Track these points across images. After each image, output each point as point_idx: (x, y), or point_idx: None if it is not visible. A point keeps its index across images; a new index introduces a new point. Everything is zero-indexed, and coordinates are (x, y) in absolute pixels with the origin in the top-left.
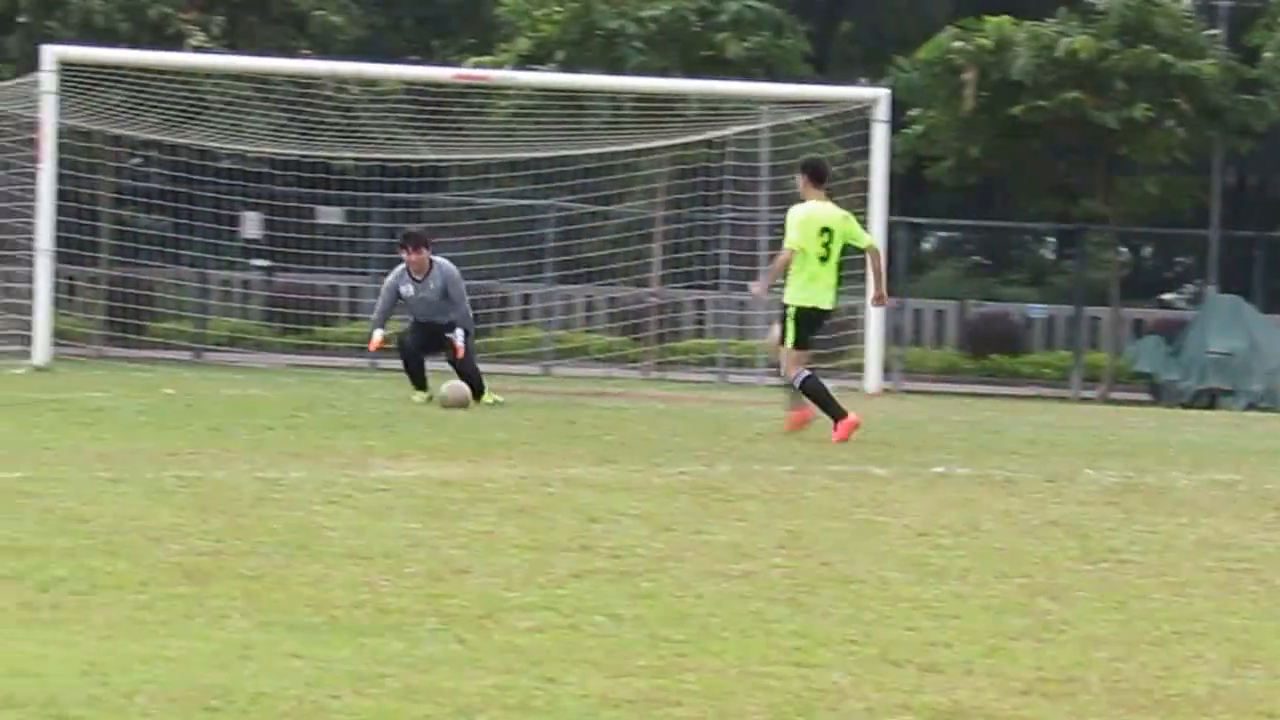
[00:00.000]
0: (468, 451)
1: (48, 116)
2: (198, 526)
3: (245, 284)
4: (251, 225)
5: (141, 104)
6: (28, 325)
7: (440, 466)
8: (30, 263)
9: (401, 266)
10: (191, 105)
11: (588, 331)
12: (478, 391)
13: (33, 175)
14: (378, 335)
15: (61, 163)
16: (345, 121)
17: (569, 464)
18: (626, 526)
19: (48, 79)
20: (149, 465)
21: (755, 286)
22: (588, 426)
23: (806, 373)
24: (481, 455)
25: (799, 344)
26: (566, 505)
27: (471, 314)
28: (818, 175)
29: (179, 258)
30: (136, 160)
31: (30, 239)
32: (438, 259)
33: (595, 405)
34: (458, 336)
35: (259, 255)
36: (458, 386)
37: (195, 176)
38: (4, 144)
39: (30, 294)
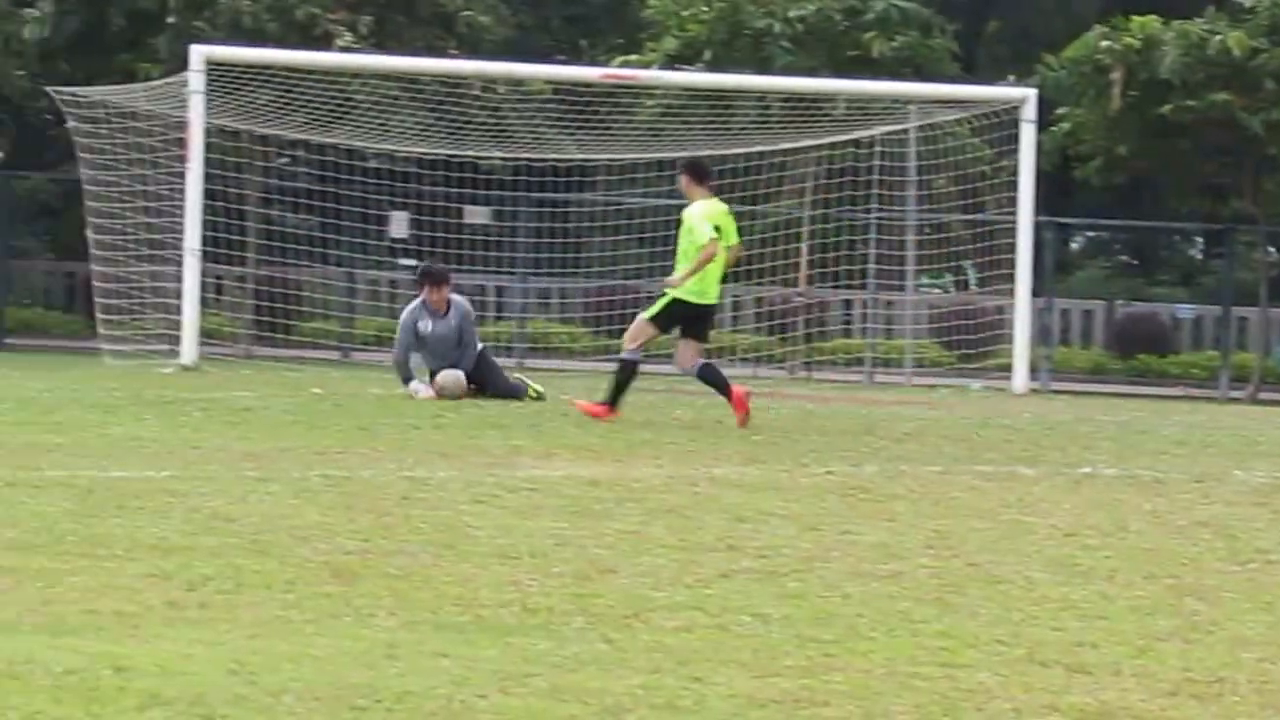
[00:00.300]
0: (615, 451)
1: (196, 116)
2: (345, 525)
3: (392, 283)
4: (399, 225)
5: (289, 104)
6: (176, 325)
7: (587, 466)
8: (178, 262)
9: (418, 302)
10: (339, 105)
11: (734, 331)
12: (519, 394)
13: (181, 175)
14: (422, 390)
15: (209, 162)
16: (492, 121)
17: (716, 463)
18: (774, 526)
19: (196, 79)
20: (296, 464)
21: (673, 279)
22: (735, 426)
23: (703, 362)
24: (628, 455)
25: (660, 326)
26: (714, 505)
27: (479, 348)
28: (701, 174)
29: (326, 257)
30: (284, 160)
31: (178, 238)
32: (455, 297)
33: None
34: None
35: (406, 255)
36: (450, 374)
37: (343, 176)
38: (152, 144)
39: (178, 293)
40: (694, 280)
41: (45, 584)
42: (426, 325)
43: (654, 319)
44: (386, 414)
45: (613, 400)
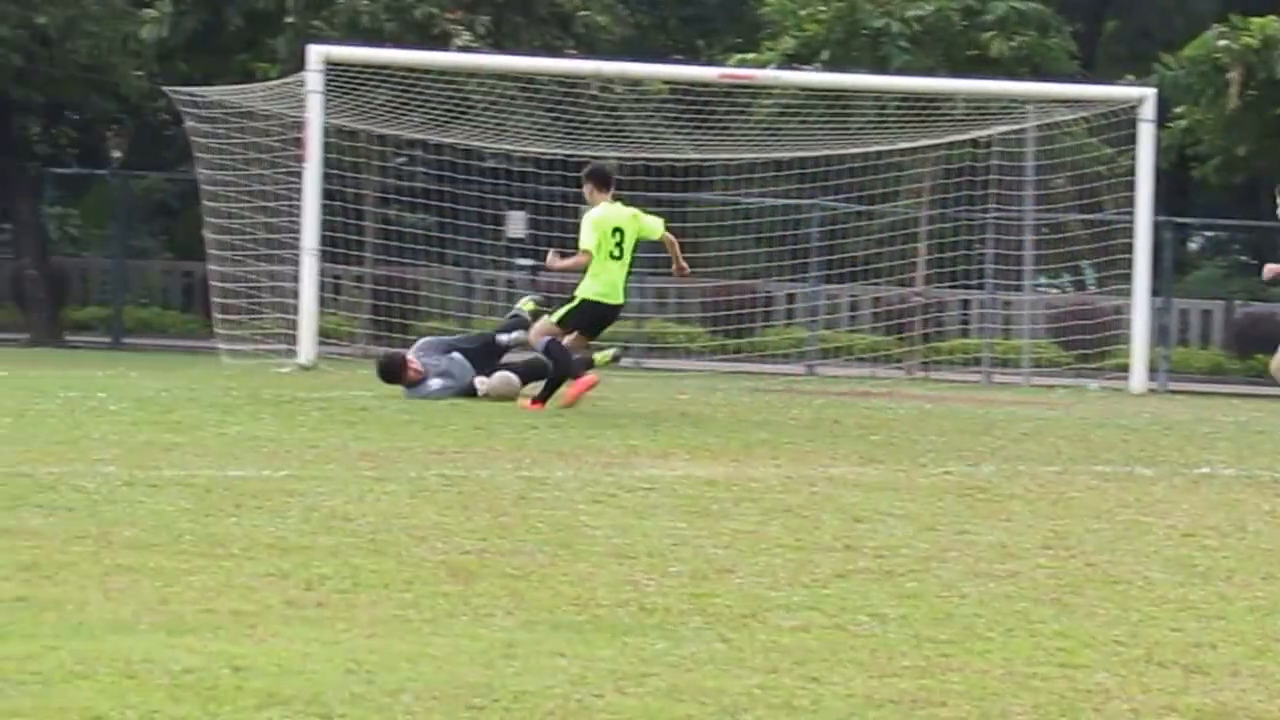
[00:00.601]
0: (732, 451)
1: (314, 116)
2: (462, 525)
3: (510, 283)
4: (516, 225)
5: (406, 103)
6: (293, 324)
7: (705, 465)
8: (296, 262)
9: None
10: (456, 105)
11: (852, 331)
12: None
13: (298, 175)
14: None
15: (327, 162)
16: (609, 121)
17: (834, 463)
18: (891, 526)
19: (314, 78)
20: (413, 464)
21: (552, 261)
22: (852, 426)
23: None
24: (746, 454)
25: (568, 328)
26: (831, 505)
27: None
28: (604, 181)
29: (443, 257)
30: (401, 159)
31: (296, 238)
32: None
33: (860, 405)
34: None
35: (524, 254)
36: (504, 378)
37: (460, 176)
38: (270, 144)
39: (295, 293)
40: (602, 284)
41: (163, 583)
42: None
43: (560, 323)
44: (504, 414)
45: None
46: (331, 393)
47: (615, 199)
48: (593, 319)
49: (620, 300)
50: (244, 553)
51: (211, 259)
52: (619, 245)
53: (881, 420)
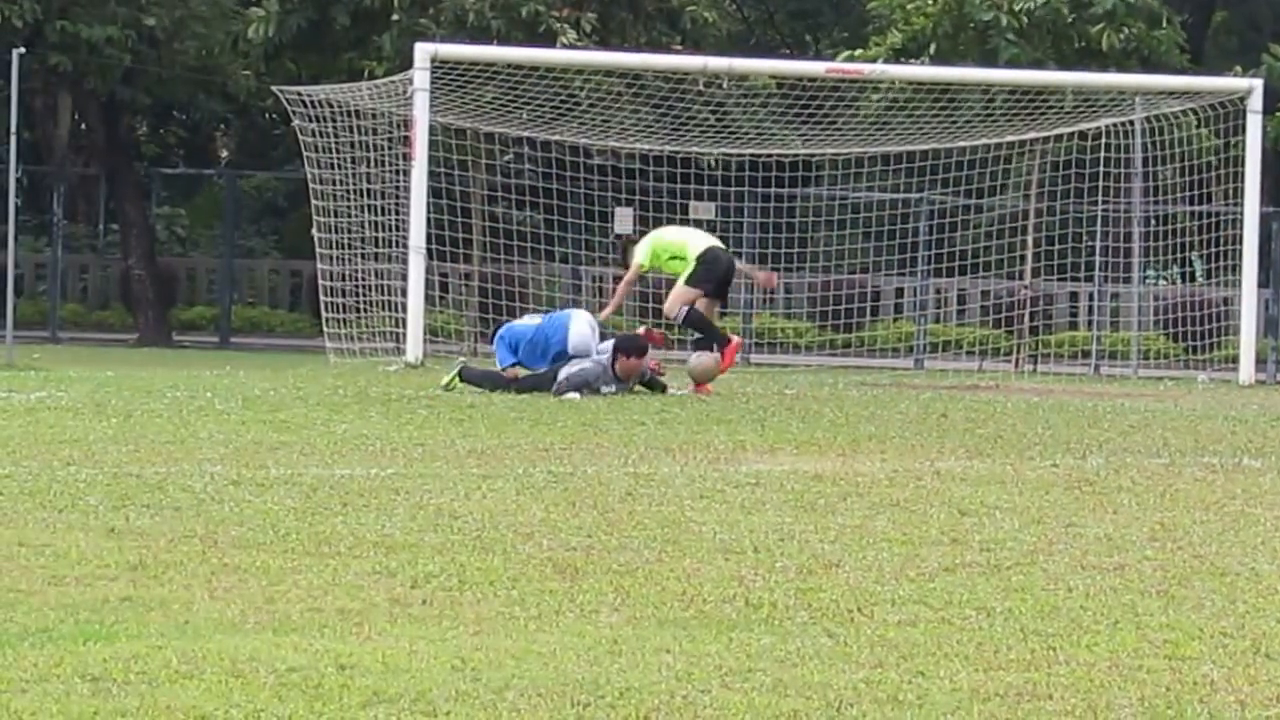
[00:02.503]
0: (839, 446)
1: (420, 114)
2: (568, 522)
3: (618, 280)
4: (624, 221)
5: (513, 101)
6: (401, 323)
7: (811, 461)
8: (403, 260)
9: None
10: (563, 102)
11: (960, 325)
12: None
13: (405, 173)
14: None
15: (434, 160)
16: (716, 117)
17: (941, 458)
18: (998, 520)
19: (420, 76)
20: (520, 461)
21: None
22: (960, 420)
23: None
24: (853, 449)
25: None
26: (937, 499)
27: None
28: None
29: (551, 254)
30: (508, 157)
31: (403, 236)
32: None
33: (968, 398)
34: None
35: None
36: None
37: (567, 173)
38: (377, 142)
39: (403, 291)
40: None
41: (269, 582)
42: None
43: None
44: (611, 410)
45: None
46: (439, 391)
47: None
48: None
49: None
50: (350, 551)
51: (320, 258)
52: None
53: (989, 414)
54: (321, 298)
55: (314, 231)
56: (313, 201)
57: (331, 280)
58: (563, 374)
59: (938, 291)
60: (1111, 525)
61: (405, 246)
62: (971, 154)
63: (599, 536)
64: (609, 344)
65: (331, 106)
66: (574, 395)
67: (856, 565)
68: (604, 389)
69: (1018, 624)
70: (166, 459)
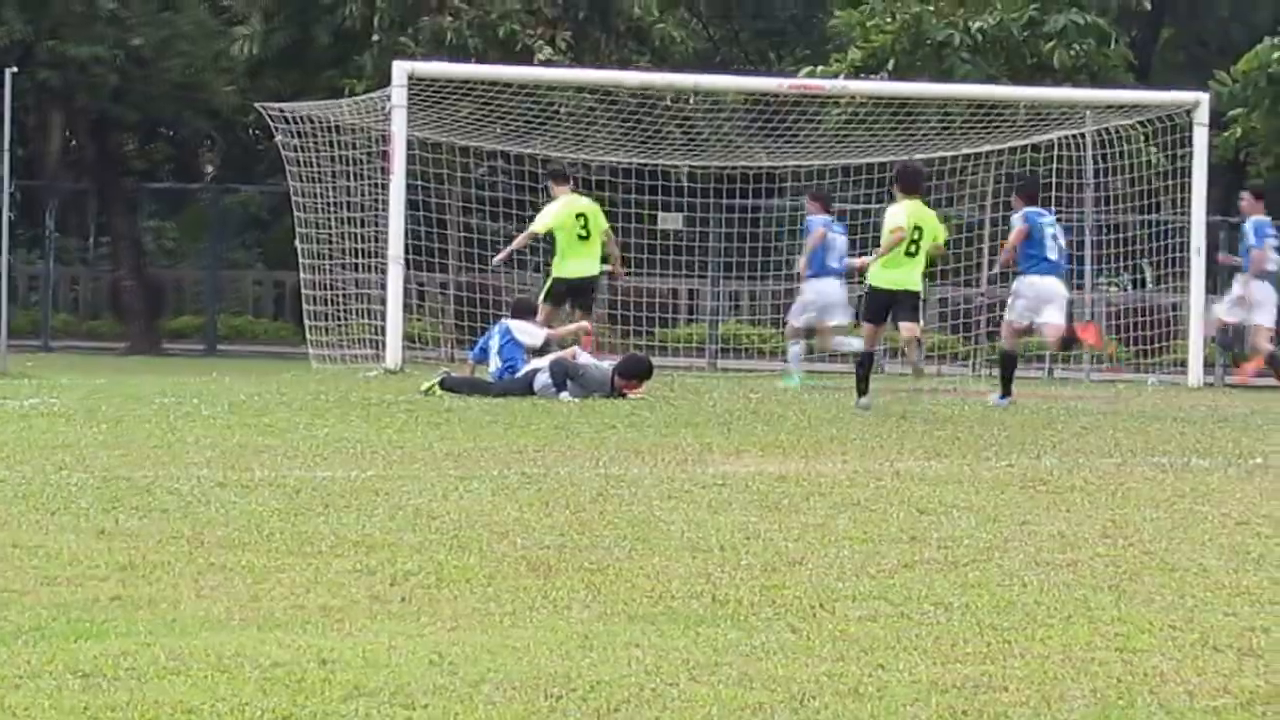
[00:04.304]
0: (802, 448)
1: (398, 129)
2: (542, 521)
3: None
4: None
5: (488, 115)
6: (380, 330)
7: (776, 462)
8: (382, 270)
9: None
10: (536, 117)
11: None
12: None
13: (384, 186)
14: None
15: (411, 173)
16: (684, 131)
17: (900, 458)
18: (955, 518)
19: (399, 93)
20: (495, 463)
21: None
22: (919, 422)
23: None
24: (816, 451)
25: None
26: (897, 498)
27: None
28: (562, 176)
29: (525, 263)
30: (483, 170)
31: (382, 247)
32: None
33: (926, 401)
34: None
35: (602, 260)
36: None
37: (540, 185)
38: (357, 156)
39: (382, 300)
40: (571, 258)
41: (254, 580)
42: None
43: (544, 300)
44: (583, 414)
45: None
46: (418, 396)
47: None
48: (571, 293)
49: (593, 274)
50: (332, 550)
51: (302, 268)
52: (585, 228)
53: (947, 416)
54: (304, 306)
55: (296, 243)
56: (295, 214)
57: (314, 289)
58: (581, 358)
59: None
60: (1065, 523)
61: (384, 257)
62: (928, 166)
63: (571, 535)
64: (607, 363)
65: (312, 122)
66: (565, 395)
67: (819, 563)
68: (563, 395)
69: (974, 618)
70: (155, 463)
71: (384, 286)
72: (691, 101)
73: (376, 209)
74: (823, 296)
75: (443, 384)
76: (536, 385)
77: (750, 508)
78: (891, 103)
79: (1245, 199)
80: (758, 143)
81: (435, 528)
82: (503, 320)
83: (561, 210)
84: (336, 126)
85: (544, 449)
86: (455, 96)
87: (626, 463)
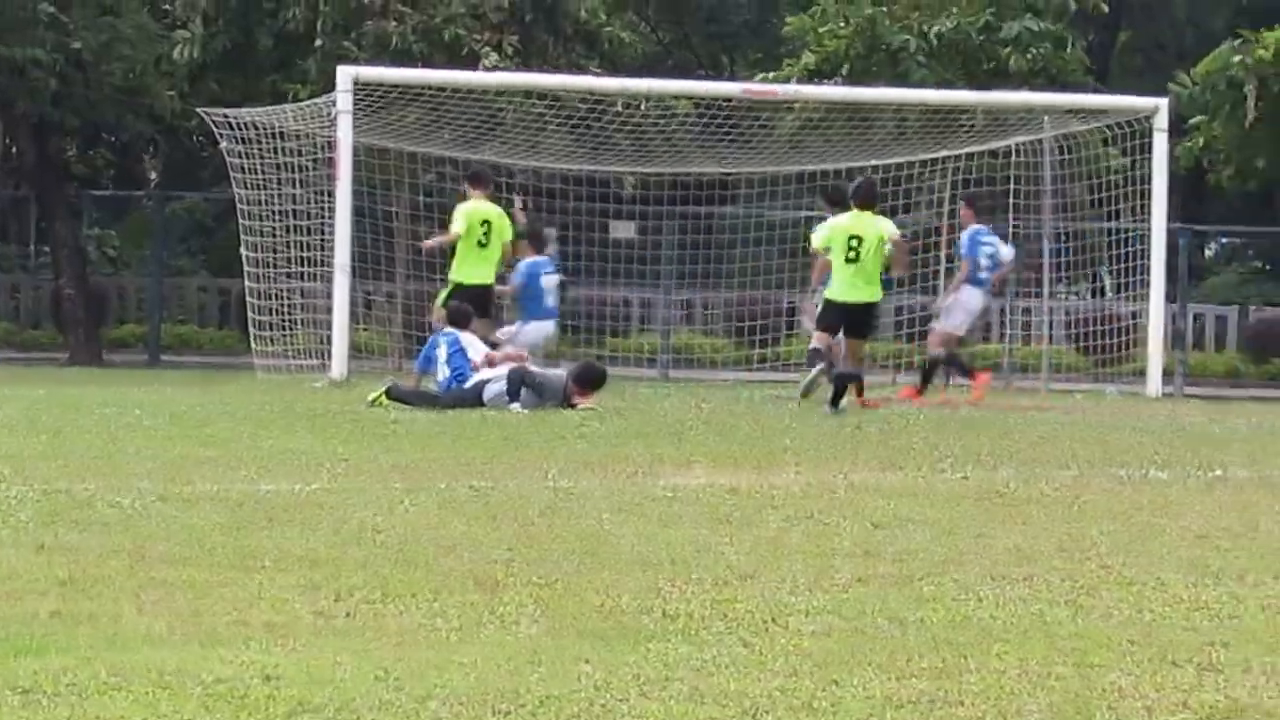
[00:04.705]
0: (755, 459)
1: (344, 135)
2: (489, 536)
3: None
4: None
5: (435, 121)
6: (326, 340)
7: (727, 474)
8: (328, 279)
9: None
10: (485, 123)
11: (876, 340)
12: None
13: (330, 193)
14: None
15: (357, 180)
16: (635, 138)
17: (854, 470)
18: (910, 531)
19: (344, 99)
20: (442, 476)
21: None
22: (874, 432)
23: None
24: (768, 463)
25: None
26: (851, 511)
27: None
28: (480, 180)
29: None
30: (430, 177)
31: (328, 255)
32: None
33: (881, 411)
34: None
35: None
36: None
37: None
38: (302, 163)
39: (328, 310)
40: (470, 264)
41: (196, 596)
42: None
43: (445, 304)
44: (532, 425)
45: None
46: (364, 407)
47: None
48: (470, 299)
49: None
50: (275, 565)
51: (247, 276)
52: (486, 235)
53: (902, 426)
54: (249, 315)
55: (242, 250)
56: (240, 221)
57: (259, 298)
58: (532, 367)
59: None
60: (1021, 536)
61: (330, 265)
62: (884, 172)
63: (519, 550)
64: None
65: (257, 128)
66: (516, 406)
67: (771, 577)
68: (514, 406)
69: (929, 633)
70: (96, 475)
71: (330, 295)
72: (643, 107)
73: (322, 216)
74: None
75: (389, 394)
76: (486, 395)
77: (701, 521)
78: (845, 108)
79: (962, 208)
80: (709, 150)
81: (381, 542)
82: (447, 329)
83: (469, 213)
84: (281, 133)
85: (492, 461)
86: (402, 102)
87: (576, 475)
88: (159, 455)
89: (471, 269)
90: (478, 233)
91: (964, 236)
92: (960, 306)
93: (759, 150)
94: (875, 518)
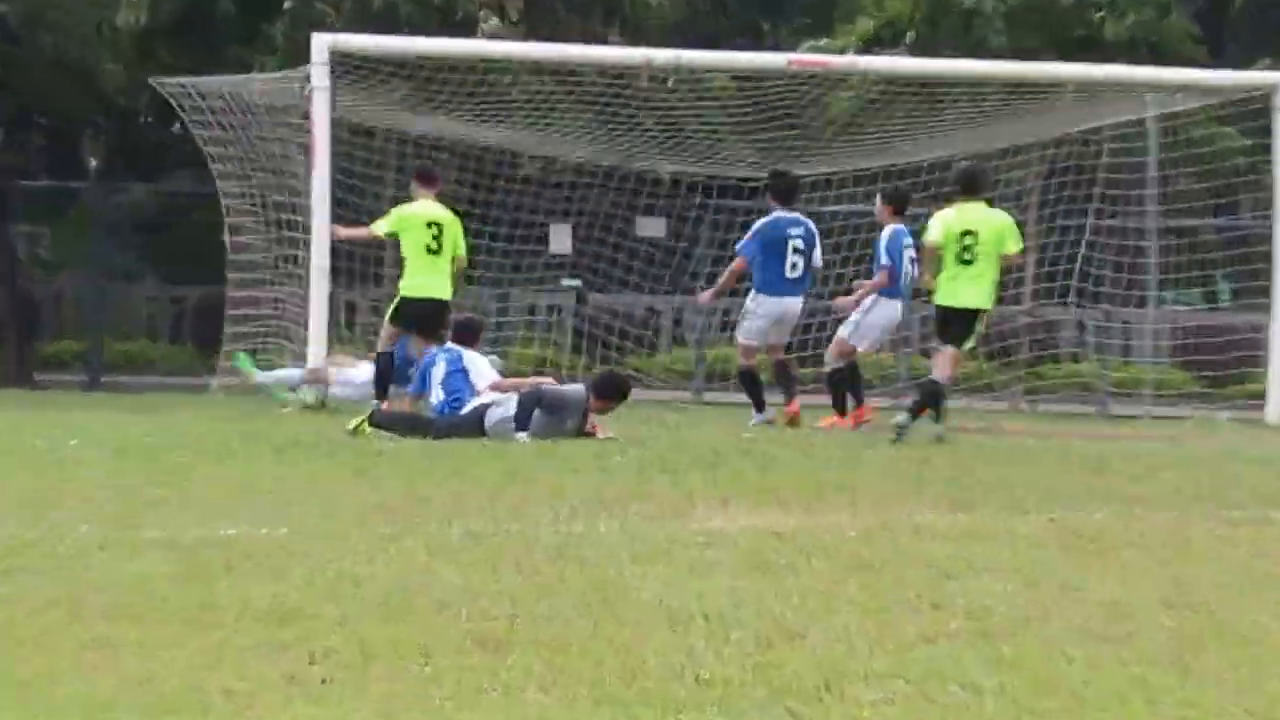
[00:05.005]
0: (803, 497)
1: (320, 116)
2: (489, 587)
3: (552, 309)
4: (560, 239)
5: (429, 100)
6: (300, 355)
7: (771, 514)
8: (303, 282)
9: None
10: (489, 103)
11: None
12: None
13: (305, 183)
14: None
15: (338, 169)
16: (662, 120)
17: (920, 510)
18: (985, 581)
19: (319, 72)
20: (434, 517)
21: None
22: (943, 466)
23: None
24: (818, 500)
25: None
26: (917, 557)
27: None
28: (428, 178)
29: (472, 278)
30: (424, 164)
31: (303, 256)
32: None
33: (951, 440)
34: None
35: (569, 274)
36: None
37: (491, 183)
38: (271, 149)
39: (302, 319)
40: (418, 274)
41: (144, 656)
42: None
43: (391, 319)
44: (540, 456)
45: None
46: (343, 435)
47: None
48: (416, 315)
49: (439, 295)
50: (237, 622)
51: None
52: (437, 240)
53: (977, 459)
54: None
55: (225, 235)
56: (225, 216)
57: (235, 307)
58: (548, 385)
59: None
60: (1118, 587)
61: (303, 267)
62: (962, 160)
63: (526, 604)
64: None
65: (224, 99)
66: (523, 436)
67: (823, 635)
68: (520, 436)
69: (1010, 701)
70: (24, 520)
71: (305, 302)
72: (671, 84)
73: (295, 211)
74: None
75: (372, 420)
76: (489, 422)
77: (740, 569)
78: (911, 85)
79: (879, 204)
80: (748, 139)
81: (362, 595)
82: (449, 345)
83: (411, 214)
84: (247, 108)
85: (492, 500)
86: (387, 75)
87: (591, 516)
88: (101, 493)
89: (420, 279)
90: (425, 237)
91: (883, 237)
92: (874, 326)
93: (809, 138)
94: (944, 565)
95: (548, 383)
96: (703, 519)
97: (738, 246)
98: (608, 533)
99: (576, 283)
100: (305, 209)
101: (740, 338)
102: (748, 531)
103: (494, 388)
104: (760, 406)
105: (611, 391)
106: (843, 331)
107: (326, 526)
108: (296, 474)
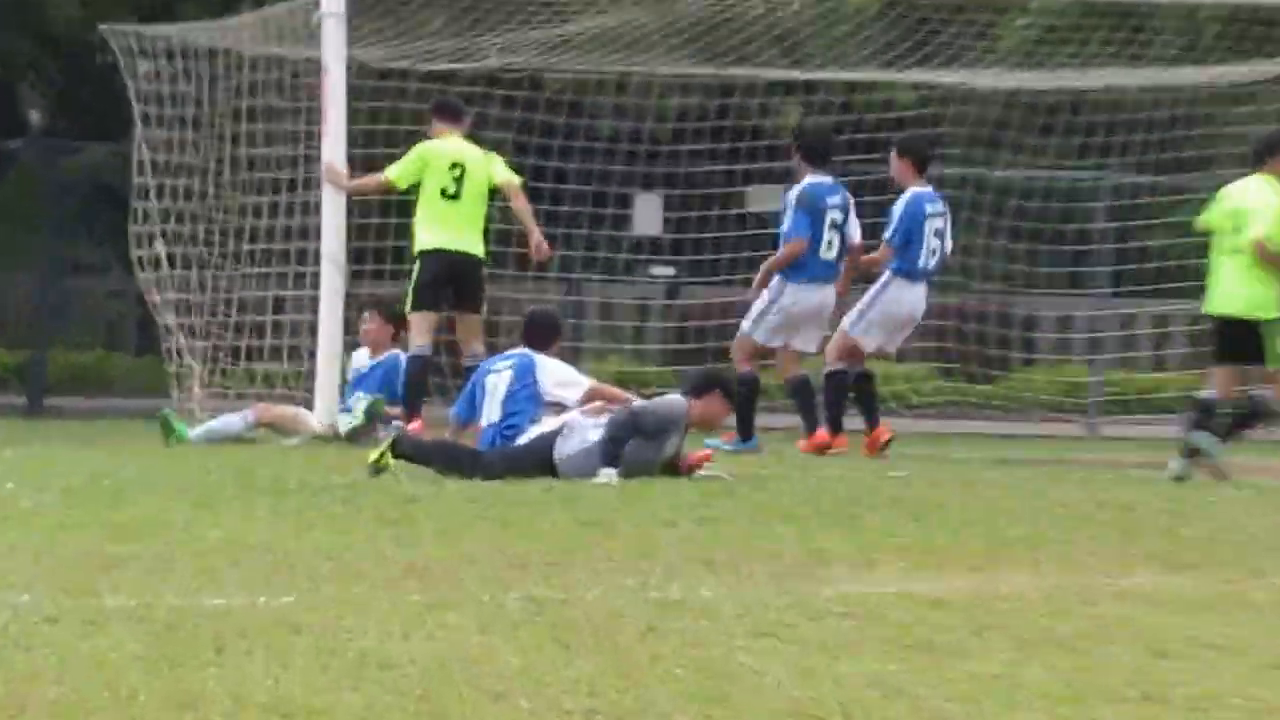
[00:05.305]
0: (971, 553)
1: (333, 54)
2: (560, 672)
3: (638, 309)
4: (647, 215)
5: (474, 29)
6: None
7: (929, 577)
8: (311, 277)
9: None
10: (547, 27)
11: (1156, 370)
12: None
13: (314, 149)
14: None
15: (355, 128)
16: (786, 53)
17: (1125, 571)
18: (1212, 663)
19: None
20: (485, 582)
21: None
22: (1154, 512)
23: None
24: (991, 558)
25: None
26: (1122, 632)
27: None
28: (448, 111)
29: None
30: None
31: (312, 244)
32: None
33: (1165, 482)
34: None
35: (657, 260)
36: None
37: (560, 144)
38: (270, 101)
39: (308, 325)
40: (434, 225)
41: None
42: None
43: (414, 304)
44: (625, 503)
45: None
46: (361, 474)
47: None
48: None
49: (470, 252)
50: (227, 719)
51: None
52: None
53: (1196, 505)
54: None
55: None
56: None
57: (186, 306)
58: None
59: (1120, 314)
60: None
61: (313, 259)
62: (1171, 108)
63: (608, 695)
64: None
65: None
66: (610, 474)
67: None
68: (604, 473)
69: None
70: None
71: (312, 304)
72: (796, 4)
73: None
74: None
75: (397, 450)
76: (558, 454)
77: (890, 649)
78: (1108, 9)
79: (895, 158)
80: (895, 66)
81: (392, 683)
82: (519, 348)
83: (438, 152)
84: (240, 58)
85: (562, 559)
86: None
87: (692, 578)
88: (48, 551)
89: (436, 231)
90: (445, 180)
91: (899, 203)
92: (885, 318)
93: (977, 74)
94: (1159, 643)
95: (637, 402)
96: (840, 583)
97: (783, 230)
98: (714, 600)
99: (670, 271)
100: (304, 181)
101: (758, 339)
102: (899, 599)
103: (588, 400)
104: (750, 434)
105: (715, 389)
106: (845, 323)
107: (344, 594)
108: (302, 525)
